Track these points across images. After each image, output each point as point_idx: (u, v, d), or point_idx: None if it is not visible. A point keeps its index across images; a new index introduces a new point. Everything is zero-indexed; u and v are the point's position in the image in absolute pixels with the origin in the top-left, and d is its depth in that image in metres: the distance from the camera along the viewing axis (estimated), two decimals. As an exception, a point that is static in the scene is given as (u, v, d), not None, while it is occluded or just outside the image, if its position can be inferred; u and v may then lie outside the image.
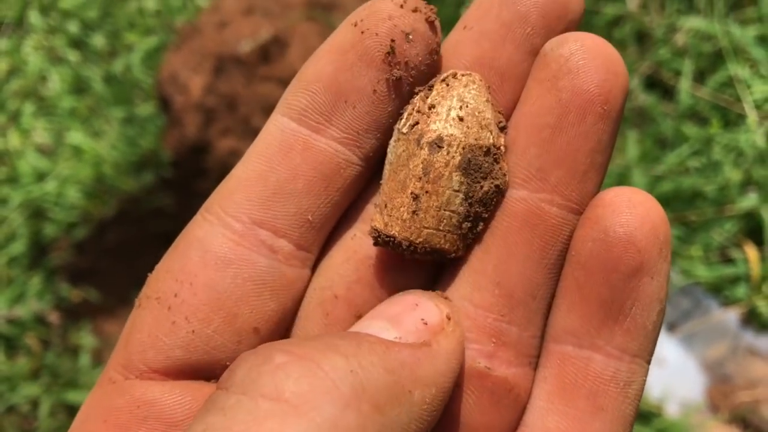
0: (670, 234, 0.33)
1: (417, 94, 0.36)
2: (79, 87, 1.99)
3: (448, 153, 0.35)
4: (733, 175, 1.60)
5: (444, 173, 0.35)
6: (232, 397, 0.26)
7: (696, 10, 1.84)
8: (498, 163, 0.35)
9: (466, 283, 0.36)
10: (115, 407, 0.33)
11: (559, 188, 0.34)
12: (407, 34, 0.34)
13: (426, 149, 0.35)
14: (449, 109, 0.35)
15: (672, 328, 1.57)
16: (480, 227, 0.36)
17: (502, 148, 0.35)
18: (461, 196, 0.35)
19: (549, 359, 0.35)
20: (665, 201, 1.62)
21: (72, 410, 1.59)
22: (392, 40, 0.34)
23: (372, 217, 0.36)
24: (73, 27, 2.08)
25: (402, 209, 0.35)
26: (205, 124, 1.74)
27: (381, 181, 0.37)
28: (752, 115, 1.66)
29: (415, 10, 0.34)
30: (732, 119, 1.70)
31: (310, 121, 0.35)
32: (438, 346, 0.31)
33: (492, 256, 0.35)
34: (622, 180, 1.62)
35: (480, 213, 0.35)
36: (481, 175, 0.35)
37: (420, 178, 0.35)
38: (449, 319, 0.32)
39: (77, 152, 1.87)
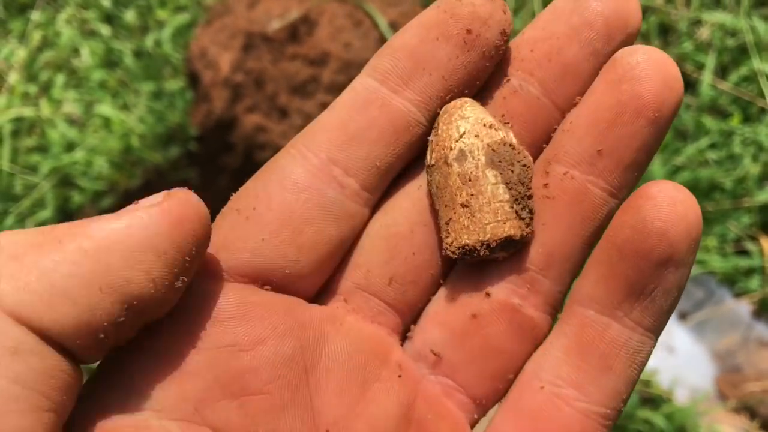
0: (701, 233, 0.37)
1: (429, 137, 0.42)
2: (109, 61, 2.03)
3: (473, 158, 0.41)
4: (751, 168, 1.62)
5: (479, 174, 0.41)
6: None
7: (722, 5, 1.85)
8: (514, 148, 0.41)
9: None
10: None
11: (605, 174, 0.39)
12: (485, 20, 0.40)
13: (455, 165, 0.41)
14: (457, 128, 0.41)
15: (684, 316, 1.59)
16: (531, 204, 0.41)
17: (510, 135, 0.41)
18: (501, 185, 0.41)
19: (571, 318, 0.40)
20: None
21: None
22: (470, 25, 0.40)
23: (442, 244, 0.42)
24: (105, 1, 2.12)
25: (461, 220, 0.41)
26: (233, 101, 1.77)
27: (436, 210, 0.42)
28: (773, 110, 1.67)
29: (492, 0, 0.40)
30: (753, 114, 1.71)
31: (391, 83, 0.40)
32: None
33: (541, 219, 0.41)
34: (641, 169, 1.64)
35: (523, 192, 0.41)
36: (508, 162, 0.41)
37: (461, 188, 0.41)
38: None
39: (106, 124, 1.92)
